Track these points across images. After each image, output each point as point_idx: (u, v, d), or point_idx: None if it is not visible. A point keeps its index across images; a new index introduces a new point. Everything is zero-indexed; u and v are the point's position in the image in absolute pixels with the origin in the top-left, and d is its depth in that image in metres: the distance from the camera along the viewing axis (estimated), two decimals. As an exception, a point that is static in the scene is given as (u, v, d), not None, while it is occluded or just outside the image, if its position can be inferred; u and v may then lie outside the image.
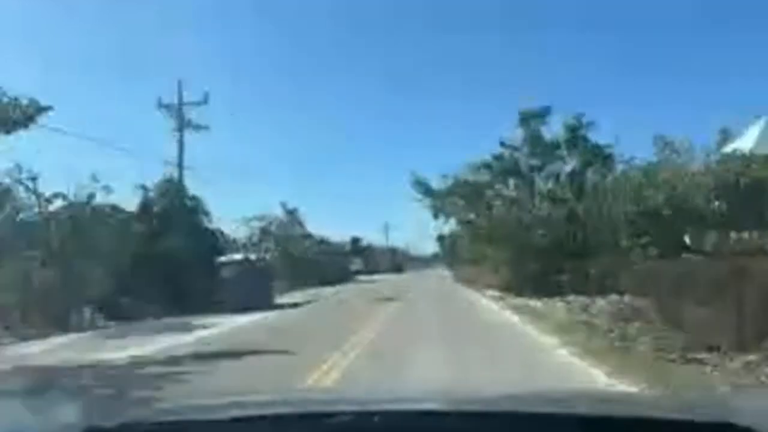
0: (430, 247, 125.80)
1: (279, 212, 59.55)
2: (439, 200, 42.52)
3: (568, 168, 32.85)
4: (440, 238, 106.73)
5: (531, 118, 34.22)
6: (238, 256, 24.34)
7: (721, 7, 73.40)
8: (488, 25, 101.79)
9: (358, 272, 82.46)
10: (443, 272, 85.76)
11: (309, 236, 64.58)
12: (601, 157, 31.45)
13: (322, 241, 67.93)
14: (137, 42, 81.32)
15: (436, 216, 44.11)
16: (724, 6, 73.60)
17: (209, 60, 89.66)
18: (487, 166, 34.12)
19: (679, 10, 78.99)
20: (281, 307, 25.35)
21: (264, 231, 54.87)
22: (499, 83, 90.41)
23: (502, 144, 34.47)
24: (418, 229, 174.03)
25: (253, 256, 25.23)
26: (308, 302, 28.74)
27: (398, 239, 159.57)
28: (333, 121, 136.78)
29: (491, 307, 22.86)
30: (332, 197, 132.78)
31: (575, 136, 32.61)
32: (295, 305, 26.53)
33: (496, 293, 27.69)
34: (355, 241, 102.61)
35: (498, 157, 34.62)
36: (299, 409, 2.29)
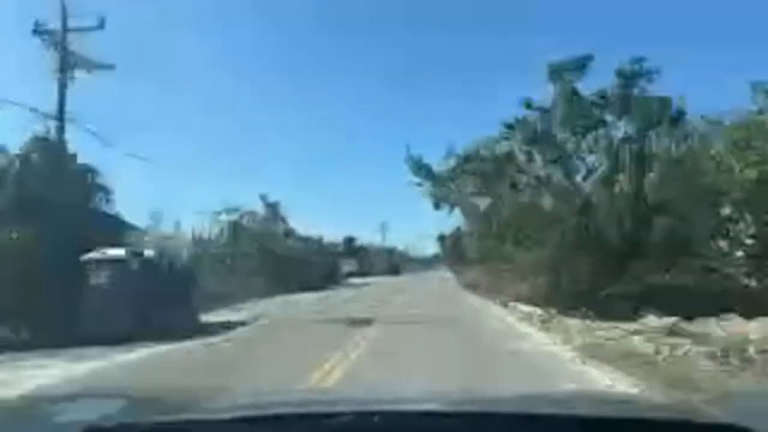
0: (430, 248, 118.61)
1: (259, 206, 50.37)
2: (440, 186, 33.29)
3: (618, 133, 23.54)
4: (441, 238, 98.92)
5: (564, 71, 24.90)
6: (115, 252, 14.75)
7: None
8: (488, 25, 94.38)
9: (351, 274, 73.43)
10: (445, 274, 76.87)
11: (292, 233, 55.21)
12: (668, 115, 22.11)
13: (309, 240, 58.55)
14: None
15: (437, 206, 34.92)
16: None
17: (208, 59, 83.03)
18: (509, 127, 24.64)
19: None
20: (207, 331, 15.94)
21: (235, 226, 45.41)
22: (499, 84, 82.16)
23: (528, 105, 25.08)
24: (419, 230, 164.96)
25: (148, 252, 15.53)
26: (255, 321, 19.40)
27: (398, 241, 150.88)
28: (331, 120, 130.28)
29: (544, 345, 12.09)
30: (330, 197, 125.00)
31: (625, 92, 23.26)
32: (230, 327, 17.22)
33: (529, 308, 18.34)
34: (350, 240, 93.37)
35: (521, 122, 25.22)
36: (299, 409, 2.23)
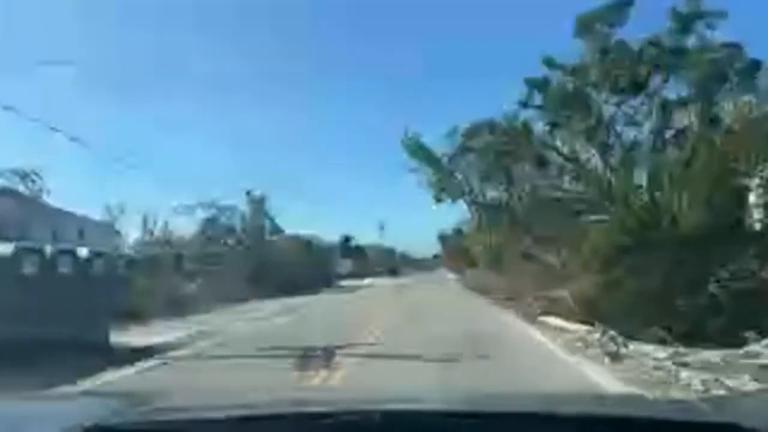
0: (431, 249, 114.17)
1: (241, 201, 44.94)
2: (442, 172, 28.10)
3: (670, 94, 18.17)
4: (441, 238, 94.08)
5: (598, 22, 19.57)
6: None
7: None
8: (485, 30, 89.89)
9: (346, 275, 68.19)
10: (447, 275, 71.79)
11: (280, 231, 49.74)
12: (742, 67, 16.76)
13: (299, 238, 53.17)
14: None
15: (438, 199, 29.71)
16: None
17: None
18: (535, 86, 19.21)
19: None
20: (109, 361, 10.61)
21: (210, 222, 39.96)
22: (498, 86, 77.16)
23: (549, 63, 19.70)
24: (419, 230, 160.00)
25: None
26: (186, 345, 13.80)
27: (398, 241, 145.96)
28: (330, 117, 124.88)
29: None
30: (328, 197, 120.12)
31: (680, 39, 17.91)
32: (149, 353, 11.88)
33: (572, 326, 12.83)
34: (346, 240, 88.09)
35: (542, 84, 19.85)
36: (300, 408, 2.18)
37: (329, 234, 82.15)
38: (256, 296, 32.86)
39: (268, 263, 39.76)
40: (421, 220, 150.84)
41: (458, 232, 73.55)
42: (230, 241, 39.78)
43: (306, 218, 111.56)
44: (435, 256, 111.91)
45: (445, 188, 29.17)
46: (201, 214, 39.27)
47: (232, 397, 2.50)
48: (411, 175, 26.97)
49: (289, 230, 54.73)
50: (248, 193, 46.25)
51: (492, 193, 28.23)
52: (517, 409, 2.06)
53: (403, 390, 4.06)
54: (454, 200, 29.83)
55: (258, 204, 46.90)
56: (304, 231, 56.24)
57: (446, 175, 27.72)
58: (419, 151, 26.85)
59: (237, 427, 1.82)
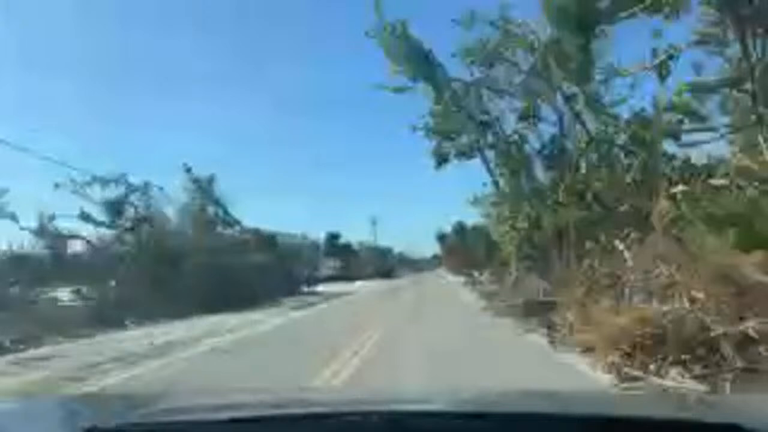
0: (430, 249, 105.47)
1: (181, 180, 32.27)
2: (444, 98, 15.94)
3: None
4: (441, 237, 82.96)
5: None
6: None
7: None
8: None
9: (329, 278, 56.00)
10: (449, 277, 59.44)
11: (236, 224, 36.89)
12: None
13: (256, 232, 40.43)
14: None
15: (441, 158, 17.73)
16: None
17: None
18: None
19: None
20: None
21: (118, 206, 27.07)
22: None
23: None
24: (418, 230, 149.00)
25: None
26: None
27: (396, 241, 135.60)
28: (328, 113, 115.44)
29: None
30: (324, 195, 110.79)
31: None
32: None
33: None
34: (333, 237, 75.72)
35: None
36: (300, 409, 2.14)
37: (321, 233, 72.64)
38: (161, 315, 20.78)
39: (204, 264, 27.43)
40: (419, 217, 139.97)
41: (459, 229, 63.81)
42: (141, 233, 27.21)
43: (297, 216, 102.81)
44: (434, 257, 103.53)
45: (451, 134, 16.95)
46: (100, 194, 26.55)
47: (234, 398, 2.47)
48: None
49: (281, 230, 43.50)
50: (188, 170, 33.66)
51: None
52: (524, 409, 2.00)
53: (408, 390, 3.99)
54: (462, 157, 17.59)
55: (202, 186, 34.26)
56: (293, 230, 46.43)
57: (456, 100, 15.38)
58: (412, 57, 14.40)
59: (237, 428, 1.74)
